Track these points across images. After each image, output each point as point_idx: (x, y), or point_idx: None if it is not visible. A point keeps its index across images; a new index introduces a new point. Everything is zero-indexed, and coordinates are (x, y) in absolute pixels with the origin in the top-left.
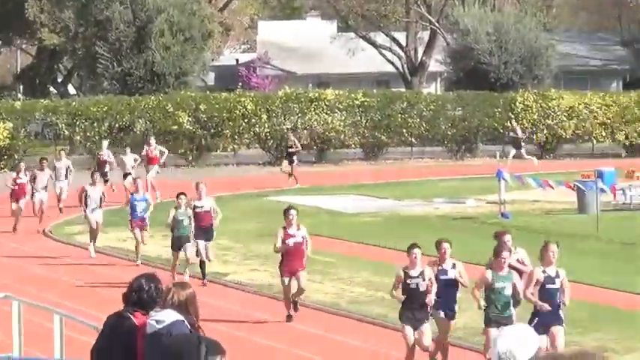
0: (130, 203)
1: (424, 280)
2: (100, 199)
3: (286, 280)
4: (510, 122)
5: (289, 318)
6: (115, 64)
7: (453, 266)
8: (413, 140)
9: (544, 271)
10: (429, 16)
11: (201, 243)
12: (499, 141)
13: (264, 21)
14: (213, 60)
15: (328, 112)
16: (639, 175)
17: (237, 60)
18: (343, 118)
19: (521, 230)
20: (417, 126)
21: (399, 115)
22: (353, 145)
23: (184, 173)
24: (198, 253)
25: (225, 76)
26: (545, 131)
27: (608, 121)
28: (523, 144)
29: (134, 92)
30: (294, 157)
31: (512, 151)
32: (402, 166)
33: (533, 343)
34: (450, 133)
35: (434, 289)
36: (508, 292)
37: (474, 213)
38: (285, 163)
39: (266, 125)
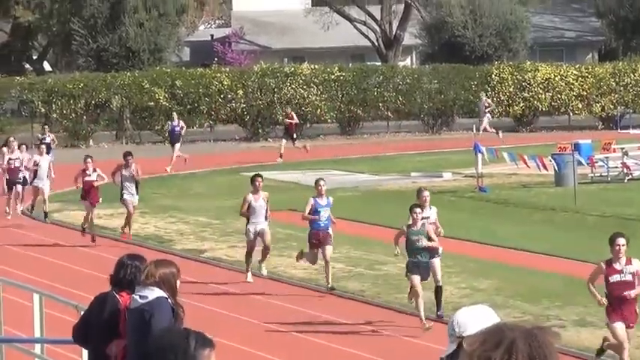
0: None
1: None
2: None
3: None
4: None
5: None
6: (89, 41)
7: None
8: (389, 114)
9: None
10: None
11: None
12: (475, 114)
13: None
14: (188, 35)
15: (304, 86)
16: (616, 148)
17: (212, 35)
18: (319, 92)
19: (499, 204)
20: (393, 100)
21: (375, 90)
22: (329, 120)
23: (160, 150)
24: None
25: (200, 52)
26: (521, 104)
27: (584, 93)
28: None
29: (109, 69)
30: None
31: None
32: (379, 141)
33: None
34: (426, 106)
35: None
36: None
37: (452, 187)
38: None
39: (242, 101)
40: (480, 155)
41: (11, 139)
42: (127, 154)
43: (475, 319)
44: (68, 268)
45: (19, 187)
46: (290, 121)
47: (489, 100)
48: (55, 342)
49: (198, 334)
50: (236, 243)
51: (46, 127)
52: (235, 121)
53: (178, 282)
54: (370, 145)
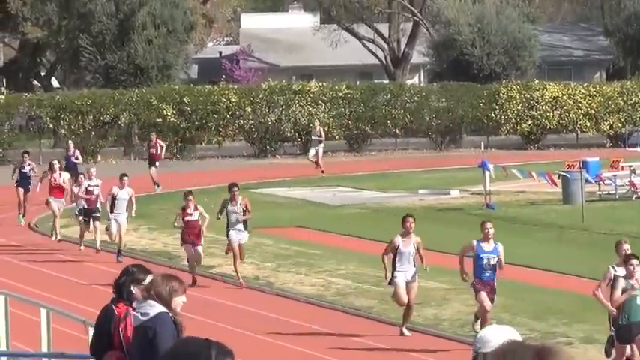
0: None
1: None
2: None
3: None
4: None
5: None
6: (98, 58)
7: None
8: (397, 132)
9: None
10: (412, 8)
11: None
12: (483, 132)
13: (247, 13)
14: (196, 52)
15: (312, 104)
16: (624, 166)
17: (220, 52)
18: (327, 110)
19: (507, 221)
20: (400, 117)
21: (383, 107)
22: (337, 137)
23: (169, 166)
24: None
25: (208, 69)
26: (529, 122)
27: (592, 111)
28: (321, 144)
29: (117, 85)
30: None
31: (312, 151)
32: (387, 158)
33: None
34: (434, 124)
35: None
36: None
37: (459, 204)
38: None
39: (250, 118)
40: (487, 173)
41: (93, 169)
42: (232, 186)
43: (496, 337)
44: (76, 283)
45: (98, 223)
46: (154, 149)
47: (322, 130)
48: (62, 356)
49: (219, 345)
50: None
51: (26, 155)
52: (243, 137)
53: (179, 298)
54: (378, 162)
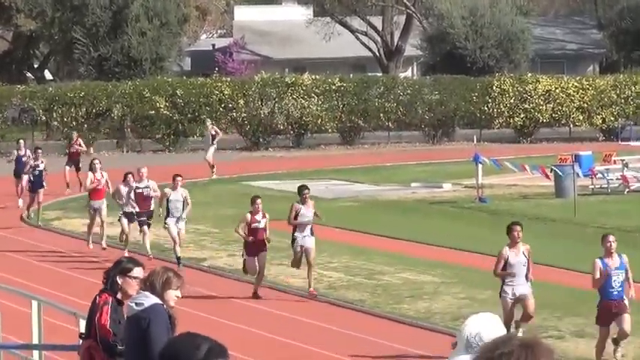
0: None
1: None
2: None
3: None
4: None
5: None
6: (91, 50)
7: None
8: (390, 125)
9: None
10: (405, 1)
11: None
12: (476, 125)
13: (240, 5)
14: (189, 45)
15: (305, 96)
16: (616, 160)
17: (213, 45)
18: (320, 102)
19: (499, 215)
20: (393, 110)
21: (376, 100)
22: (330, 130)
23: (161, 158)
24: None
25: (201, 61)
26: (522, 115)
27: (585, 105)
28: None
29: (111, 77)
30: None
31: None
32: (379, 151)
33: (500, 327)
34: (427, 117)
35: None
36: None
37: (452, 197)
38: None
39: (243, 110)
40: (480, 166)
41: (143, 169)
42: (303, 187)
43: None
44: (67, 275)
45: (146, 228)
46: (76, 148)
47: (216, 128)
48: (53, 348)
49: (212, 343)
50: (236, 252)
51: (39, 151)
52: (236, 130)
53: (173, 291)
54: (371, 156)
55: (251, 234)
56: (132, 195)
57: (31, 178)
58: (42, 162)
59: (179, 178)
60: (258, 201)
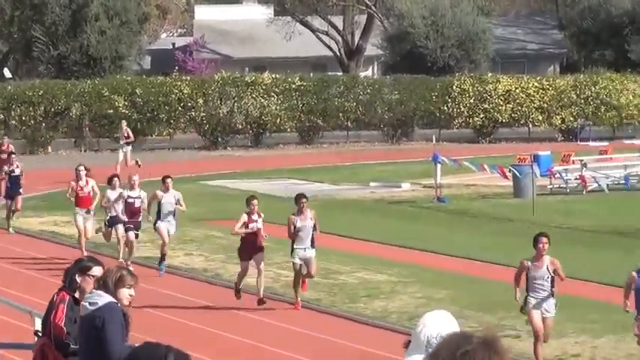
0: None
1: None
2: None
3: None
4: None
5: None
6: (50, 48)
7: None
8: (349, 124)
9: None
10: (366, 0)
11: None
12: (435, 125)
13: (201, 5)
14: (149, 44)
15: (265, 96)
16: (575, 160)
17: (173, 44)
18: (279, 102)
19: (457, 214)
20: (353, 110)
21: (336, 99)
22: (289, 129)
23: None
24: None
25: (161, 60)
26: (481, 115)
27: (545, 105)
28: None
29: (70, 76)
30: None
31: (121, 154)
32: (338, 150)
33: (455, 325)
34: (386, 117)
35: None
36: None
37: (410, 197)
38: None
39: (202, 109)
40: (439, 165)
41: (135, 177)
42: (300, 196)
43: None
44: (22, 273)
45: (132, 235)
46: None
47: (129, 131)
48: (6, 347)
49: (176, 352)
50: (192, 251)
51: (13, 156)
52: (195, 129)
53: (127, 290)
54: (330, 155)
55: (247, 234)
56: (121, 204)
57: (8, 184)
58: (17, 167)
59: (169, 180)
60: (254, 202)
